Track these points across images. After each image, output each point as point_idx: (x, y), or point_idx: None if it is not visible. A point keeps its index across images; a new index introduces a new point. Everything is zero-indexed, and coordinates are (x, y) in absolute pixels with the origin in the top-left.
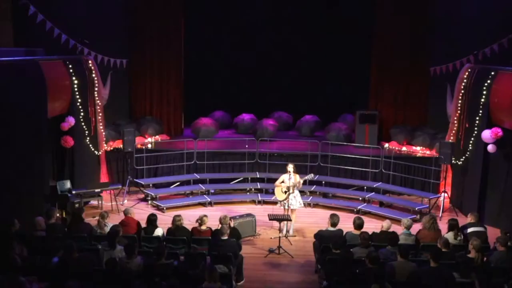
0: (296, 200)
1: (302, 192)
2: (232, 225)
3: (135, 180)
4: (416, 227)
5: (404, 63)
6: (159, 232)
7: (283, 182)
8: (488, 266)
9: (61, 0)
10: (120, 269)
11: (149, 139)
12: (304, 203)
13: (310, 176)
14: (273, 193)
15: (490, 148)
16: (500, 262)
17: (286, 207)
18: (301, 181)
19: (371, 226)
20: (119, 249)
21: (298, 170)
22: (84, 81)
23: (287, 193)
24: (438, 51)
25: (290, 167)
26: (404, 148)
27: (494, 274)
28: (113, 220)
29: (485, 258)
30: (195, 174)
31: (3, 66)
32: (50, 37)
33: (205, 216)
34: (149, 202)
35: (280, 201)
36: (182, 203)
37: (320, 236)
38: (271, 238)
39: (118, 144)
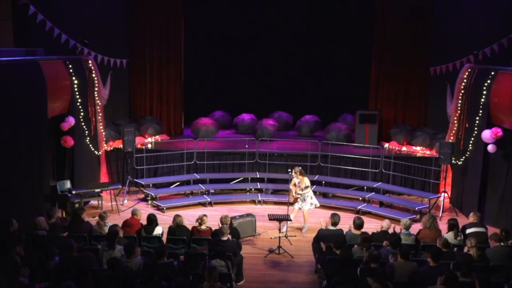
0: (307, 202)
1: None
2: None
3: (135, 180)
4: (415, 227)
5: (404, 63)
6: (158, 230)
7: (295, 184)
8: (488, 265)
9: (61, 0)
10: (120, 268)
11: (149, 139)
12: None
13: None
14: (272, 193)
15: (490, 148)
16: (500, 258)
17: (297, 209)
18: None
19: (371, 226)
20: (118, 249)
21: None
22: (84, 81)
23: (295, 197)
24: (438, 51)
25: (293, 172)
26: (404, 148)
27: (494, 273)
28: (113, 220)
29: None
30: (195, 174)
31: (3, 66)
32: (50, 37)
33: (205, 215)
34: (149, 202)
35: (290, 203)
36: (182, 203)
37: (320, 236)
38: (271, 238)
39: (118, 144)
